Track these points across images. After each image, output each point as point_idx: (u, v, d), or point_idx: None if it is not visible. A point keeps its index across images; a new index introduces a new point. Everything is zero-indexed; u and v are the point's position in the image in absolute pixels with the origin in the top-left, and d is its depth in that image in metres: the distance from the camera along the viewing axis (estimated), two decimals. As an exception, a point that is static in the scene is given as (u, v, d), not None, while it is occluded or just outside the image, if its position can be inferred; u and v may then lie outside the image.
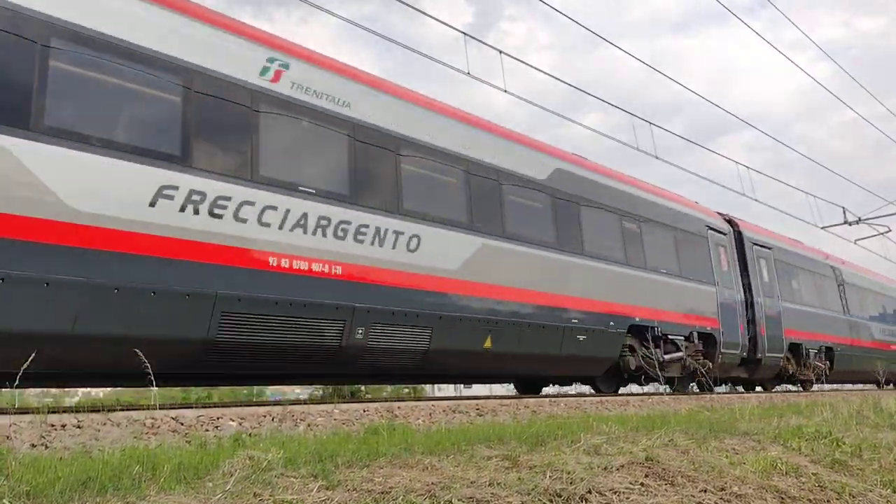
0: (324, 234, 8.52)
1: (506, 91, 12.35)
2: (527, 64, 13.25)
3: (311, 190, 8.53)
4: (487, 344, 10.20)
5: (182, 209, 7.25)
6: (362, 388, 26.35)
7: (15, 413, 5.82)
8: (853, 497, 5.20)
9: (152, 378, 5.76)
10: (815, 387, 20.46)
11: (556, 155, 12.70)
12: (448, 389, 39.72)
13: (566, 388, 18.08)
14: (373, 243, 8.98)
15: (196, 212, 7.36)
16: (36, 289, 6.26)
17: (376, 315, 8.90)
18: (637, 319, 13.15)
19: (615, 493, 4.04)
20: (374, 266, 8.98)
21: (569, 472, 4.19)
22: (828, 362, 20.42)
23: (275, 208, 8.04)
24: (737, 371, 17.15)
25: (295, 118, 8.57)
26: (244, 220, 7.72)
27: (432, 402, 8.41)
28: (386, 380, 12.82)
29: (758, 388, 21.15)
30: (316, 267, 8.38)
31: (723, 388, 19.49)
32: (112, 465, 3.62)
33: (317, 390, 27.12)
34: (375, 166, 9.38)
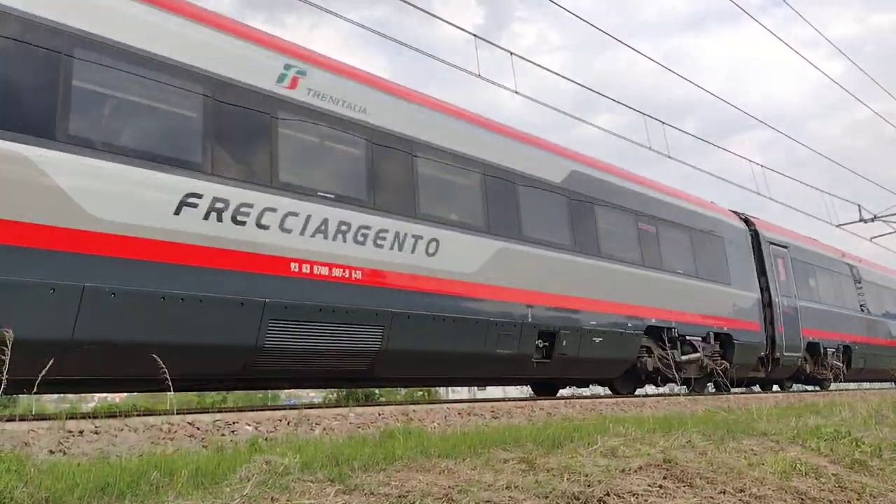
0: None
1: (517, 92, 12.35)
2: (538, 65, 13.25)
3: None
4: None
5: None
6: (377, 391, 26.35)
7: (33, 419, 5.86)
8: (874, 497, 5.15)
9: (170, 383, 5.78)
10: None
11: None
12: (462, 392, 39.66)
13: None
14: None
15: None
16: None
17: None
18: None
19: (633, 495, 4.01)
20: None
21: (586, 475, 4.17)
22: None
23: None
24: None
25: None
26: None
27: (447, 405, 8.40)
28: None
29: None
30: None
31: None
32: (130, 470, 3.64)
33: (331, 393, 27.13)
34: None
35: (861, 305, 21.80)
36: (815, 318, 18.53)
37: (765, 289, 16.79)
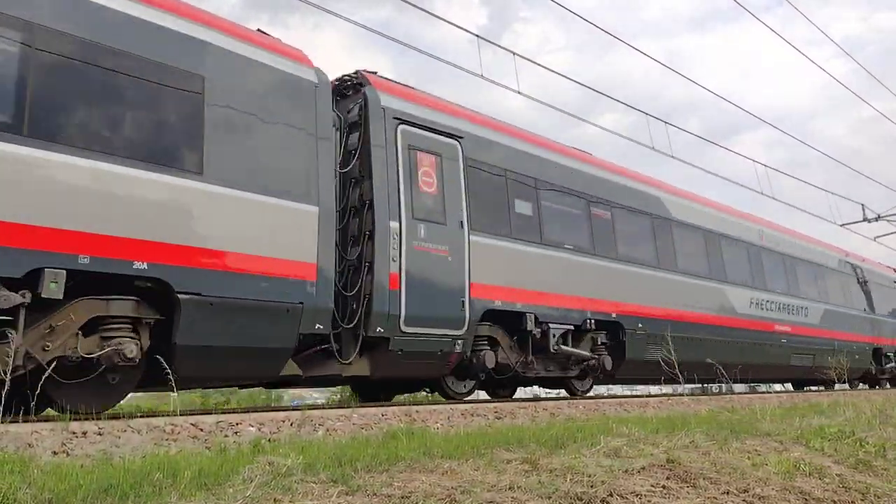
0: None
1: (520, 93, 12.35)
2: (540, 65, 13.25)
3: None
4: None
5: None
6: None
7: (37, 421, 5.86)
8: (878, 497, 5.13)
9: (174, 384, 5.78)
10: None
11: None
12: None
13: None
14: None
15: None
16: None
17: None
18: None
19: (636, 495, 4.00)
20: None
21: (589, 475, 4.16)
22: None
23: None
24: None
25: None
26: None
27: (450, 406, 8.40)
28: None
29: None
30: None
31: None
32: (133, 471, 3.64)
33: (334, 395, 27.10)
34: None
35: (665, 259, 13.57)
36: (521, 268, 10.58)
37: (368, 204, 9.01)
